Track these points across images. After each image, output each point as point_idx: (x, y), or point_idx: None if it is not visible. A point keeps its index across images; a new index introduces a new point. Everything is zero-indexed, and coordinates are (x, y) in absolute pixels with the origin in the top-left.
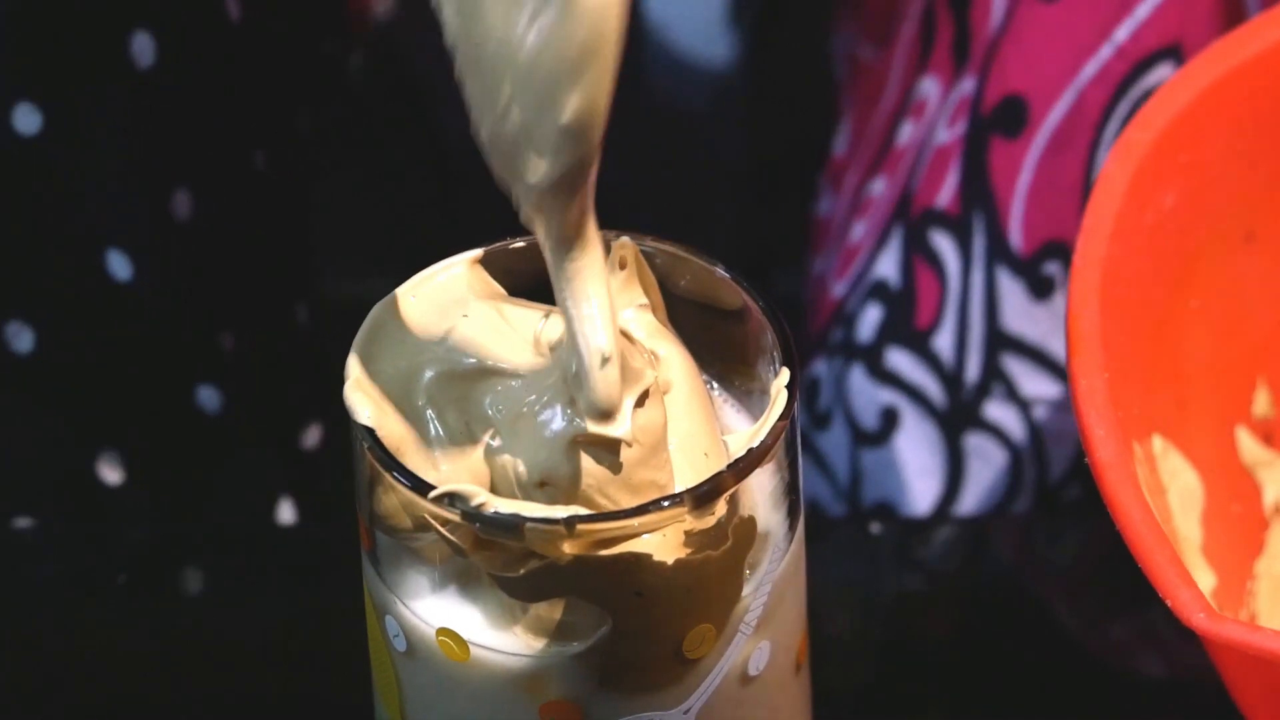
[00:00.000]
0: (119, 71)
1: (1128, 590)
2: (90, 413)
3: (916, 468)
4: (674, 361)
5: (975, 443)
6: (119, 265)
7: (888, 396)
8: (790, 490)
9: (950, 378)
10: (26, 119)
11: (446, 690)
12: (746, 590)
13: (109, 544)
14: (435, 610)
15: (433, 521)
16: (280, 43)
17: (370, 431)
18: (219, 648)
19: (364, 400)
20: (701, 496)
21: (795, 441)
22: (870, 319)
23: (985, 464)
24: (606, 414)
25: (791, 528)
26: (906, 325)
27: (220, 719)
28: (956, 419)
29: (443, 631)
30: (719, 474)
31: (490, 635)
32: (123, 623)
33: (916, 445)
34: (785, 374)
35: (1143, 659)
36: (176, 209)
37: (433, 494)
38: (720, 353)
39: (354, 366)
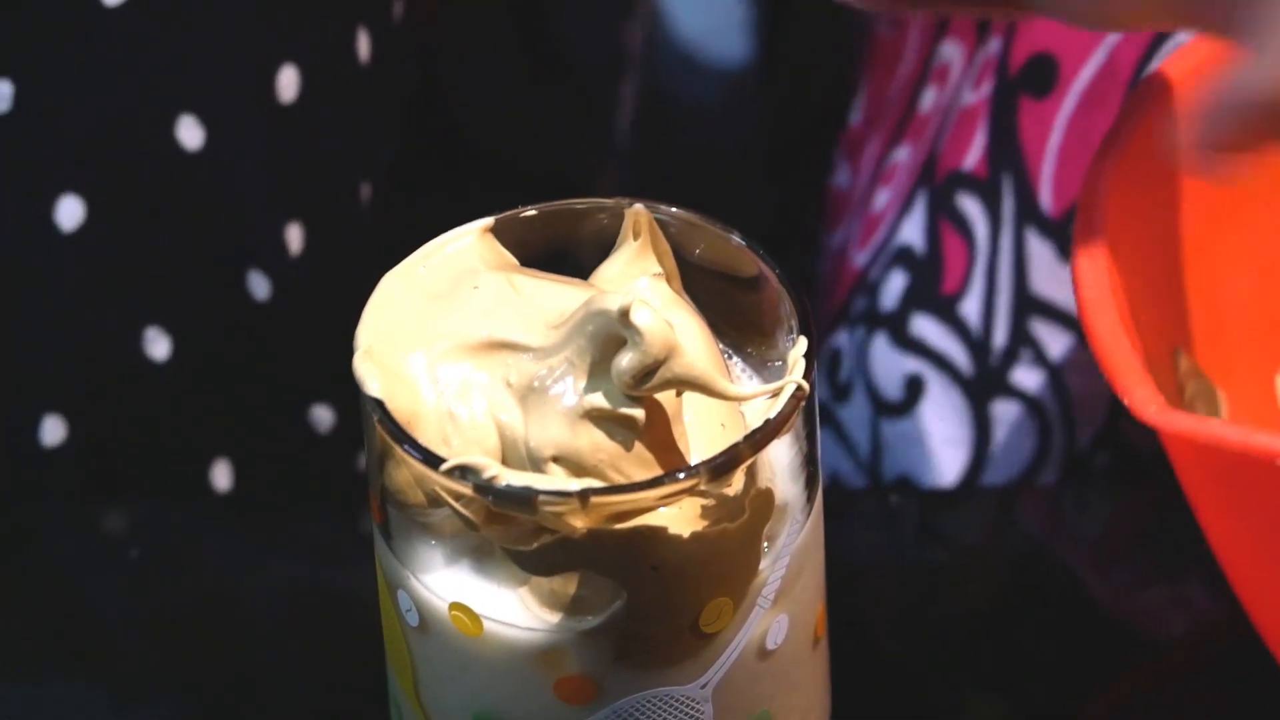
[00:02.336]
0: (267, 100)
1: (1157, 560)
2: (211, 421)
3: (941, 437)
4: (689, 331)
5: (1002, 409)
6: (259, 285)
7: (912, 365)
8: (809, 461)
9: (977, 343)
10: (190, 133)
11: (460, 665)
12: (764, 563)
13: (121, 518)
14: (448, 585)
15: (444, 495)
16: (398, 81)
17: (380, 404)
18: (230, 623)
19: (374, 371)
20: (718, 468)
21: (813, 412)
22: (894, 286)
23: (1012, 431)
24: (654, 366)
25: (810, 499)
26: (932, 291)
27: (232, 695)
28: (983, 386)
29: (456, 606)
30: (736, 445)
31: (504, 610)
32: (134, 597)
33: (942, 414)
34: (803, 343)
35: (1173, 629)
36: (290, 240)
37: (444, 467)
38: (736, 322)
39: (364, 337)
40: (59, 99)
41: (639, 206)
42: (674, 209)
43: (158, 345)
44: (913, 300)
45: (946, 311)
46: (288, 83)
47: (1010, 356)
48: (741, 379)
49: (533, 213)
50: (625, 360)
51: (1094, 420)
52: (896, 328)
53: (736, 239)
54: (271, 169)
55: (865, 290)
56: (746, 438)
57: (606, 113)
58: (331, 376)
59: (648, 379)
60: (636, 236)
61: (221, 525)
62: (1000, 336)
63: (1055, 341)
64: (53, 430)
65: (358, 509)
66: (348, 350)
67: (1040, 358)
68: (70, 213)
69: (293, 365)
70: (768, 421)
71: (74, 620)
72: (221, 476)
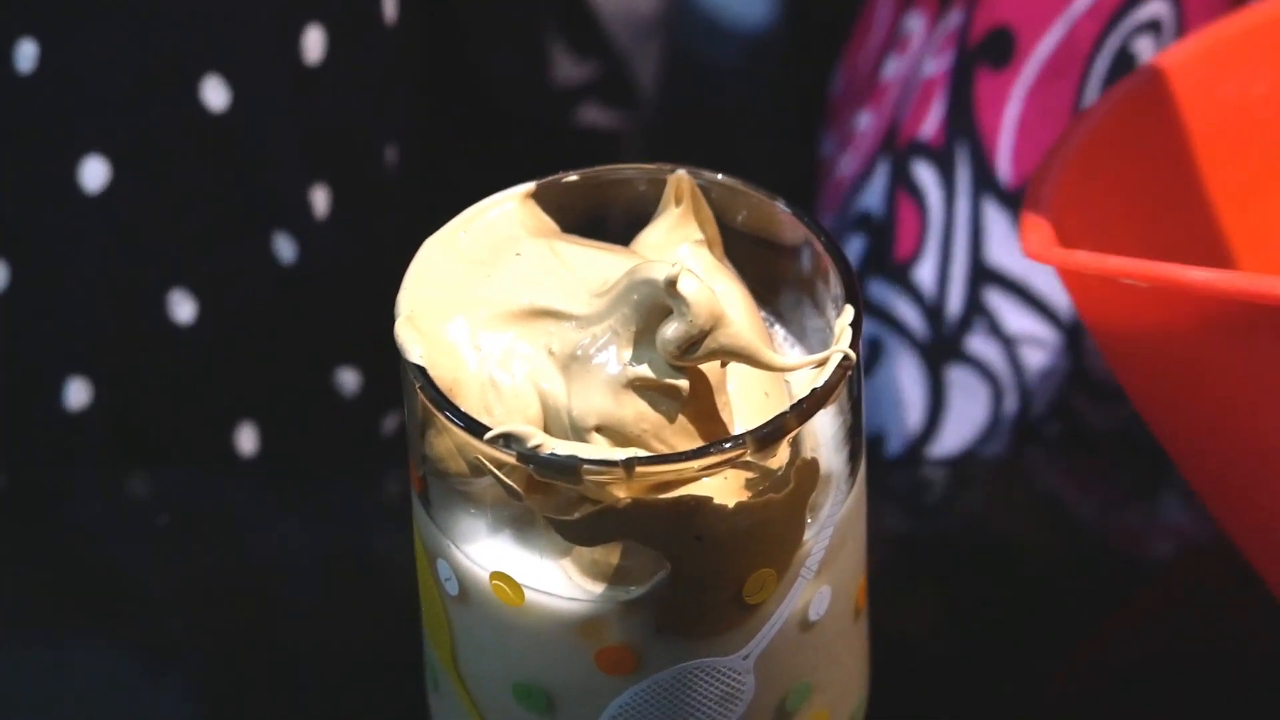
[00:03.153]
0: (292, 61)
1: (1157, 512)
2: (236, 385)
3: (898, 399)
4: (733, 300)
5: (957, 376)
6: (285, 247)
7: (870, 328)
8: (853, 432)
9: (932, 310)
10: (215, 94)
11: (499, 635)
12: (808, 534)
13: (147, 483)
14: (489, 554)
15: (487, 464)
16: (425, 42)
17: (422, 370)
18: (257, 587)
19: (415, 337)
20: (764, 438)
21: (858, 382)
22: (854, 250)
23: (967, 397)
24: (700, 337)
25: (853, 470)
26: (887, 256)
27: (260, 659)
28: (938, 351)
29: (496, 576)
30: (782, 415)
31: (545, 579)
32: (160, 561)
33: (899, 377)
34: (849, 311)
35: (1161, 556)
36: (316, 202)
37: (488, 435)
38: (778, 289)
39: (405, 303)
40: (83, 60)
41: (681, 172)
42: (718, 175)
43: (183, 308)
44: (870, 265)
45: (900, 277)
46: (313, 43)
47: (965, 325)
48: (783, 347)
49: (574, 178)
50: (671, 330)
51: (1046, 391)
52: None
53: (782, 205)
54: (297, 130)
55: None
56: (793, 407)
57: (631, 75)
58: (357, 339)
59: (693, 349)
60: (679, 203)
61: (247, 489)
62: (955, 304)
63: (1010, 313)
64: (77, 393)
65: (384, 473)
66: (374, 313)
67: (995, 330)
68: (94, 174)
69: (318, 328)
70: (815, 391)
71: (100, 584)
72: (247, 440)
